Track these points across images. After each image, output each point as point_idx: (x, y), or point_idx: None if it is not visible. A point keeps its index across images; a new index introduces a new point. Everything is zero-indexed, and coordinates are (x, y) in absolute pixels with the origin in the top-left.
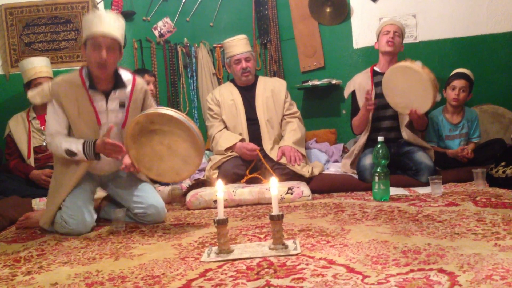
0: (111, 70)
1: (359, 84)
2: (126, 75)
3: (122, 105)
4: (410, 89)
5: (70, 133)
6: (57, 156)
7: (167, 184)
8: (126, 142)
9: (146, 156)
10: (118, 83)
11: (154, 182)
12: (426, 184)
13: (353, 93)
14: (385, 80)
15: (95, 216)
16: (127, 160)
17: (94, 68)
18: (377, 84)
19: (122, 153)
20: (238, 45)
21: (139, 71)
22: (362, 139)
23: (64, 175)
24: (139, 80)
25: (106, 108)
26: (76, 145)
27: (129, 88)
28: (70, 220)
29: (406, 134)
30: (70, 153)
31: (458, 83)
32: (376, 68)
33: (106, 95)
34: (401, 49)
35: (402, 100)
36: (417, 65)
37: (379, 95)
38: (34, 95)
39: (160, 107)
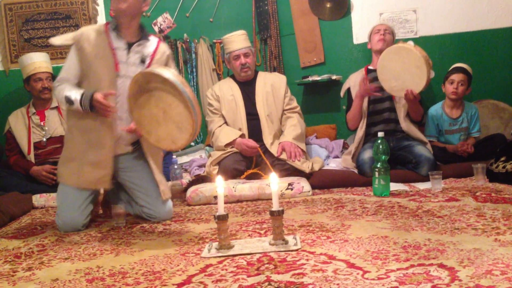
0: (129, 5)
1: (354, 82)
2: (152, 38)
3: (143, 60)
4: (404, 69)
5: (82, 85)
6: (59, 100)
7: (167, 179)
8: (129, 102)
9: (145, 118)
10: (142, 37)
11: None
12: (426, 178)
13: (348, 91)
14: (379, 65)
15: (87, 218)
16: (131, 124)
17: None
18: (372, 81)
19: (109, 114)
20: (237, 41)
21: None
22: (359, 133)
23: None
24: (163, 44)
25: (126, 58)
26: (75, 94)
27: (152, 47)
28: (59, 221)
29: (405, 125)
30: (68, 100)
31: (456, 77)
32: (370, 67)
33: (129, 46)
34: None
35: (397, 82)
36: (409, 44)
37: (375, 79)
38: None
39: (160, 68)
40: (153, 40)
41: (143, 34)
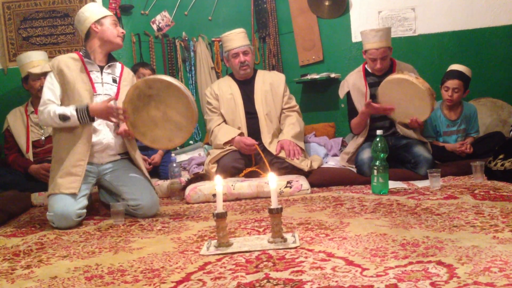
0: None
1: (353, 84)
2: (117, 63)
3: (114, 80)
4: (407, 100)
5: (63, 105)
6: (47, 123)
7: (166, 177)
8: (124, 107)
9: (141, 121)
10: (110, 60)
11: (153, 176)
12: (425, 177)
13: (348, 94)
14: (380, 92)
15: (80, 208)
16: (123, 126)
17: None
18: (371, 85)
19: (120, 116)
20: (236, 39)
21: (136, 65)
22: (360, 139)
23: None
24: (127, 68)
25: (101, 79)
26: (69, 110)
27: (119, 69)
28: (51, 214)
29: (401, 130)
30: (64, 117)
31: (451, 83)
32: (368, 68)
33: (101, 68)
34: (390, 52)
35: (399, 109)
36: (411, 76)
37: (374, 96)
38: (35, 68)
39: (160, 74)
40: (118, 64)
41: (110, 58)
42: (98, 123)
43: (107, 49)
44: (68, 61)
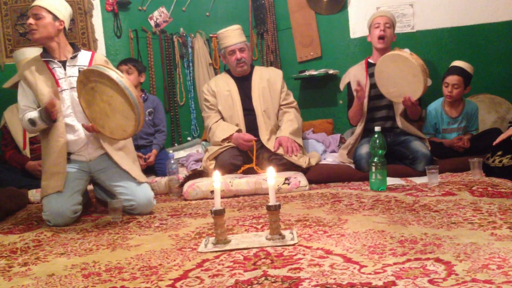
0: (40, 35)
1: (354, 76)
2: (85, 51)
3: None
4: (401, 76)
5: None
6: (28, 130)
7: (163, 174)
8: (80, 102)
9: (96, 114)
10: (75, 51)
11: (149, 173)
12: (423, 173)
13: (349, 85)
14: (377, 70)
15: (75, 205)
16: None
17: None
18: (372, 75)
19: (54, 108)
20: (232, 35)
21: (122, 61)
22: (358, 129)
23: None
24: (99, 54)
25: (65, 74)
26: (34, 114)
27: (87, 58)
28: (46, 213)
29: (400, 122)
30: (32, 122)
31: (450, 79)
32: (370, 60)
33: (63, 63)
34: (393, 39)
35: (394, 89)
36: (405, 52)
37: (374, 86)
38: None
39: (95, 65)
40: (86, 53)
41: (74, 49)
42: (72, 120)
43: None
44: (31, 65)
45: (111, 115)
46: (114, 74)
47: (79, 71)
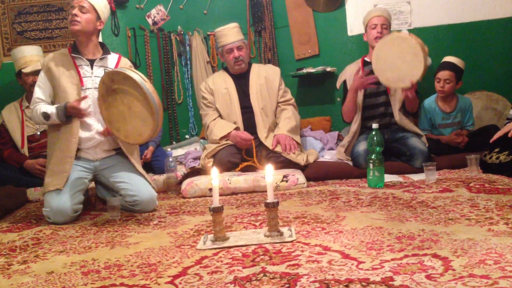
0: (81, 28)
1: (350, 74)
2: (113, 54)
3: None
4: (400, 57)
5: (55, 102)
6: (36, 122)
7: (160, 172)
8: (99, 104)
9: (114, 116)
10: (104, 52)
11: (147, 171)
12: (420, 170)
13: (345, 83)
14: (374, 56)
15: (76, 204)
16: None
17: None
18: (367, 74)
19: (84, 115)
20: (229, 34)
21: None
22: (353, 127)
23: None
24: (125, 58)
25: (91, 73)
26: (51, 109)
27: (114, 61)
28: (47, 209)
29: (399, 118)
30: (46, 115)
31: (442, 75)
32: (366, 59)
33: (91, 62)
34: (388, 30)
35: (393, 73)
36: (403, 33)
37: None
38: (27, 68)
39: (121, 68)
40: (114, 55)
41: (104, 50)
42: (90, 118)
43: (77, 39)
44: (57, 57)
45: (129, 119)
46: (139, 78)
47: (105, 72)
